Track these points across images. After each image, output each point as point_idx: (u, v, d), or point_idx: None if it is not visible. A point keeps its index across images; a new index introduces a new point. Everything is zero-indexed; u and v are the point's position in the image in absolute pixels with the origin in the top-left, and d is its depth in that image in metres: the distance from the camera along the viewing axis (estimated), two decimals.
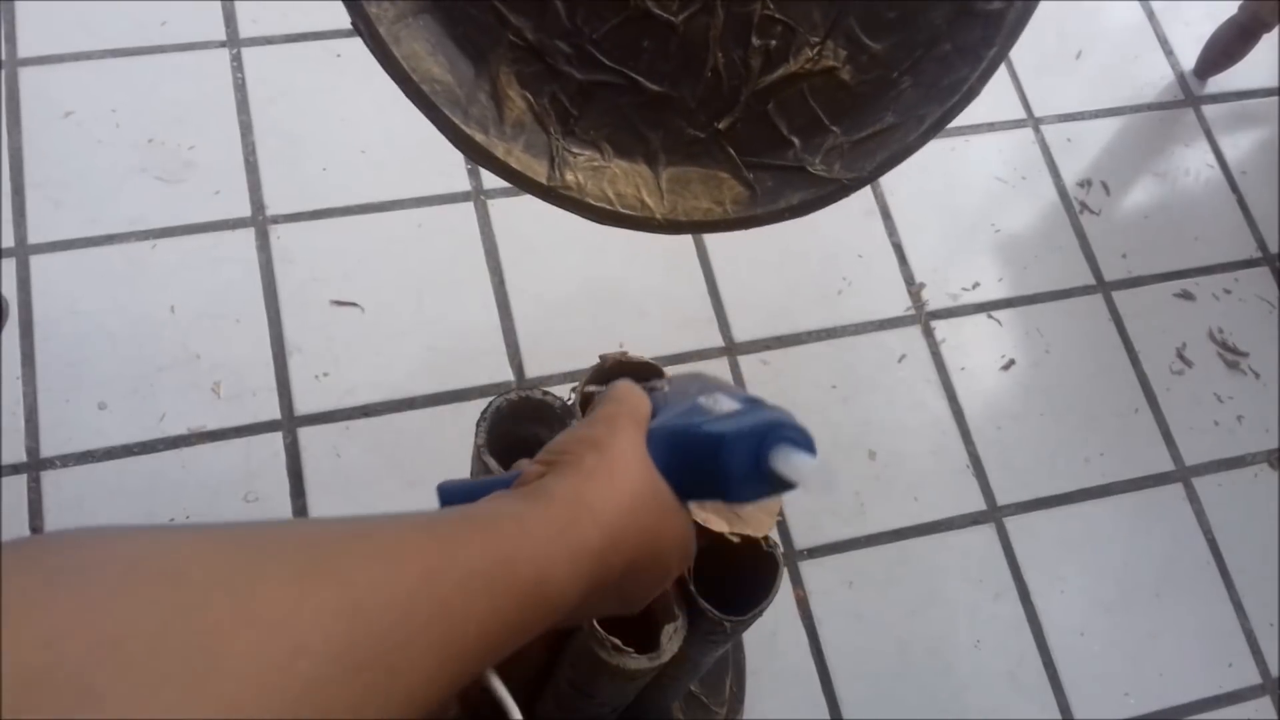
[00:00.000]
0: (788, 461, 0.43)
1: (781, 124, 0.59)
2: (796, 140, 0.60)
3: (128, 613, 0.25)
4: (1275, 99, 1.36)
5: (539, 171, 0.58)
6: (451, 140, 0.57)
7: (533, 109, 0.58)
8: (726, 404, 0.48)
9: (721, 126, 0.59)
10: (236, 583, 0.27)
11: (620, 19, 0.56)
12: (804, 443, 0.45)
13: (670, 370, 0.64)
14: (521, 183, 0.58)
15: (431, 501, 1.06)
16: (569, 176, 0.58)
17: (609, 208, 0.59)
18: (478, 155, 0.57)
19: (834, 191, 0.60)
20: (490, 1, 0.55)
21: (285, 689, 0.26)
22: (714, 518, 0.61)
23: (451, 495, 0.46)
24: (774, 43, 0.58)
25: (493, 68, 0.56)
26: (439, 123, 0.56)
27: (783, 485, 0.44)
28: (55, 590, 0.25)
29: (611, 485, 0.41)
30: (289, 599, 0.28)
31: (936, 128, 0.59)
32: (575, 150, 0.58)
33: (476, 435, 0.64)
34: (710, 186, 0.60)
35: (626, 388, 0.50)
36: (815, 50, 0.58)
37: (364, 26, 0.54)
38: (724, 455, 0.44)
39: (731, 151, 0.60)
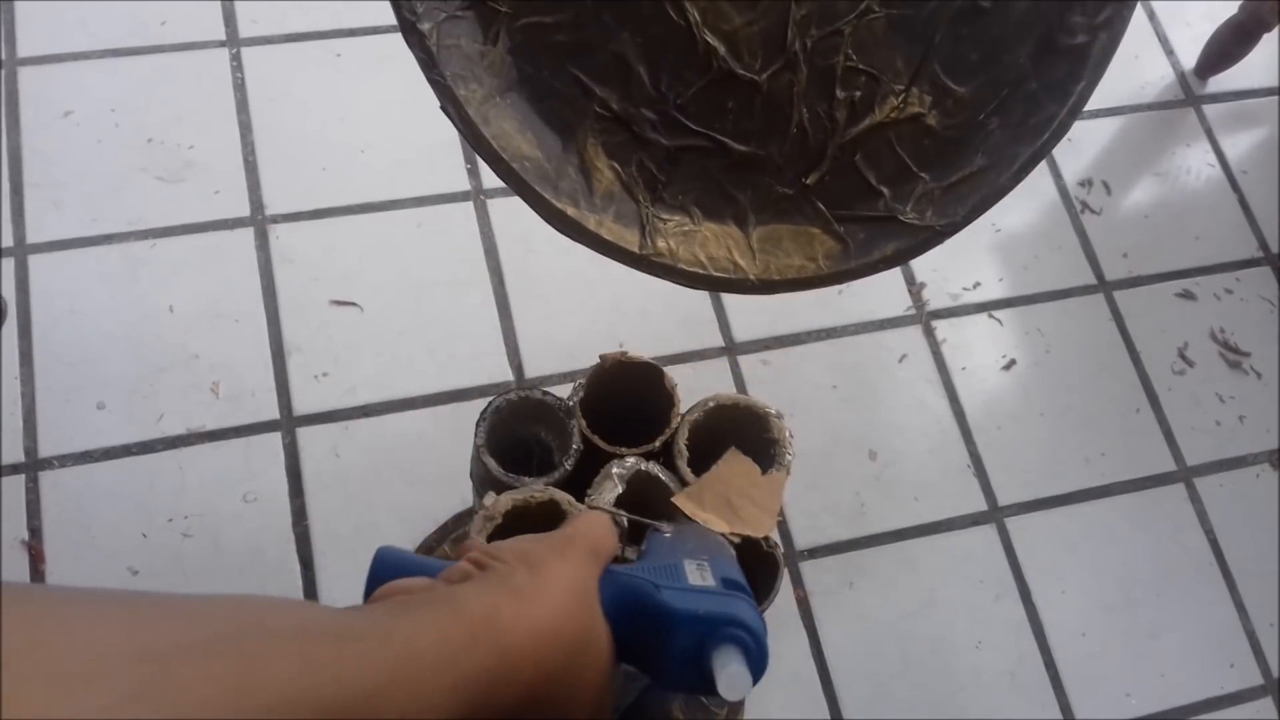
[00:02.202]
0: (726, 669, 0.40)
1: (870, 175, 0.59)
2: (886, 190, 0.59)
3: None
4: (1275, 99, 1.36)
5: (631, 241, 0.58)
6: (543, 215, 0.57)
7: (621, 178, 0.58)
8: (706, 577, 0.45)
9: (810, 182, 0.59)
10: (54, 703, 0.24)
11: (704, 81, 0.56)
12: (755, 650, 0.41)
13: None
14: (614, 253, 0.58)
15: (430, 500, 1.06)
16: (660, 243, 0.59)
17: (702, 272, 0.59)
18: (569, 228, 0.57)
19: (928, 239, 0.60)
20: (575, 74, 0.56)
21: None
22: (714, 518, 0.61)
23: (381, 565, 0.43)
24: (858, 93, 0.57)
25: (580, 140, 0.57)
26: (530, 199, 0.57)
27: (713, 687, 0.40)
28: None
29: (531, 611, 0.38)
30: None
31: (1028, 167, 0.59)
32: (665, 216, 0.59)
33: (476, 435, 0.64)
34: (802, 243, 0.60)
35: (595, 520, 0.47)
36: (900, 98, 0.58)
37: (454, 110, 0.54)
38: (669, 630, 0.41)
39: (821, 206, 0.60)
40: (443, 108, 0.54)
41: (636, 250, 0.58)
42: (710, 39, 0.55)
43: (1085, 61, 0.58)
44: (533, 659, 0.37)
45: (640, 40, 0.55)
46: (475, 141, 0.55)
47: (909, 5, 0.57)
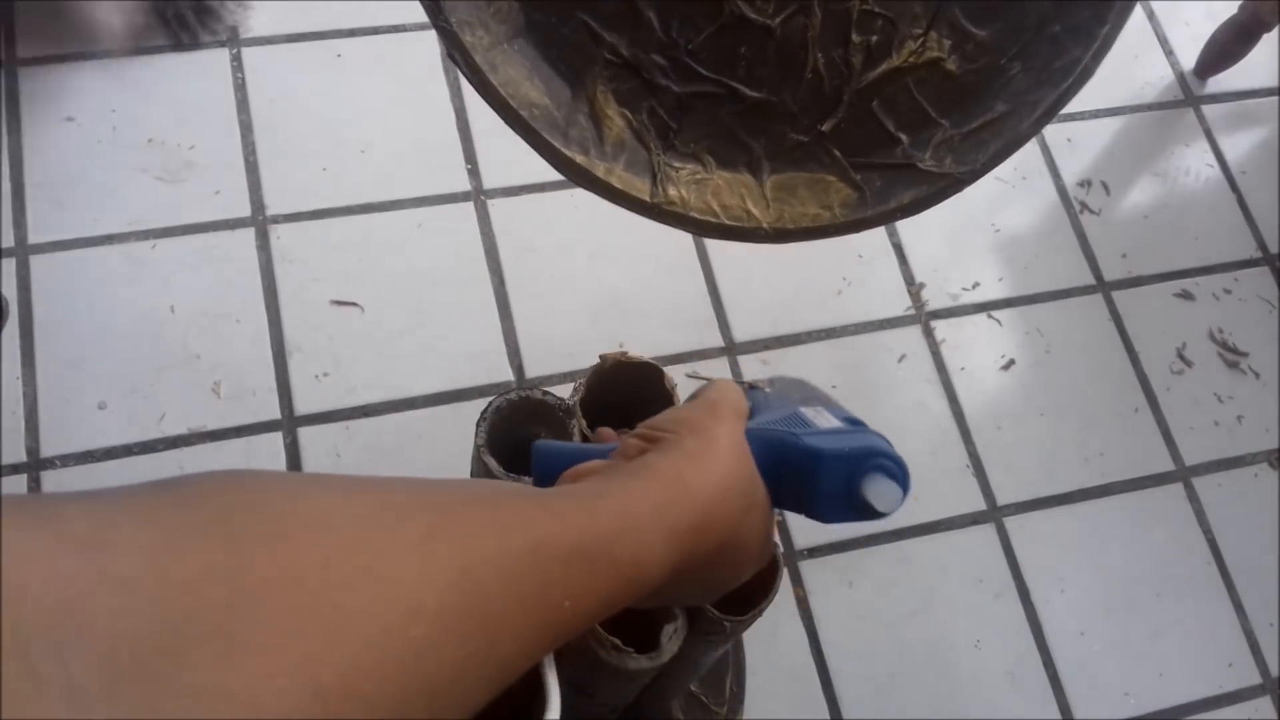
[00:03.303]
0: (879, 492, 0.44)
1: (888, 121, 0.58)
2: (904, 137, 0.58)
3: (270, 565, 0.26)
4: (1275, 99, 1.36)
5: (641, 189, 0.57)
6: (551, 163, 0.56)
7: (631, 126, 0.57)
8: (828, 419, 0.48)
9: (825, 129, 0.58)
10: (370, 539, 0.29)
11: (715, 27, 0.55)
12: (900, 474, 0.45)
13: (712, 376, 0.64)
14: (624, 201, 0.57)
15: None
16: (672, 192, 0.57)
17: (714, 220, 0.58)
18: (579, 176, 0.56)
19: (946, 187, 0.59)
20: (584, 20, 0.55)
21: (400, 653, 0.27)
22: None
23: (546, 456, 0.47)
24: (875, 38, 0.56)
25: (589, 87, 0.56)
26: (539, 147, 0.56)
27: (871, 513, 0.44)
28: (207, 536, 0.26)
29: (710, 468, 0.42)
30: (413, 562, 0.29)
31: (1051, 113, 0.58)
32: (676, 164, 0.58)
33: (476, 435, 0.64)
34: (817, 191, 0.59)
35: (727, 384, 0.51)
36: (918, 42, 0.57)
37: (460, 56, 0.53)
38: (819, 472, 0.44)
39: (837, 153, 0.59)
40: (449, 54, 0.54)
41: (647, 199, 0.57)
42: None
43: (1110, 4, 0.56)
44: (721, 510, 0.42)
45: None
46: (483, 89, 0.54)
47: None
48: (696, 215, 0.58)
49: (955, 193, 0.59)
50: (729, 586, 0.47)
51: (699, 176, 0.58)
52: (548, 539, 0.34)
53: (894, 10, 0.56)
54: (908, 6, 0.56)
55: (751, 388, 0.59)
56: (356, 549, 0.28)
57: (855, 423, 0.49)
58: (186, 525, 0.26)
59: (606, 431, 0.55)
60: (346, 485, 0.31)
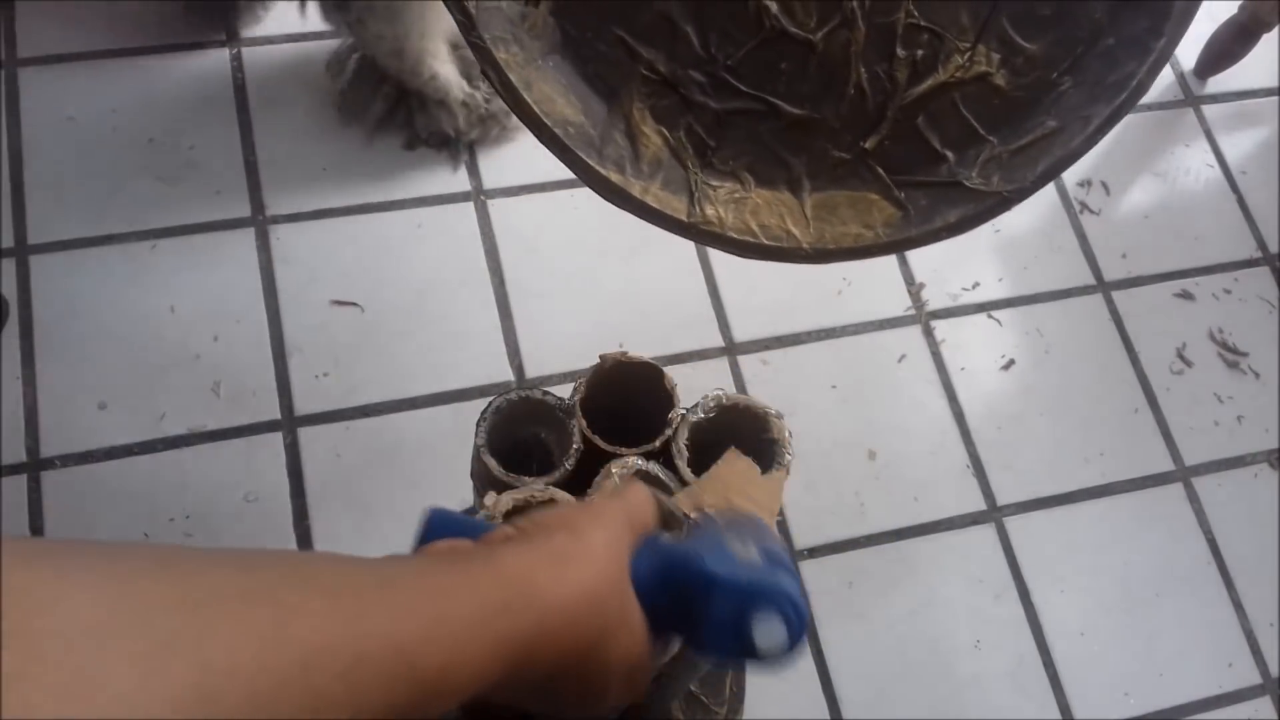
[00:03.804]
0: (767, 631, 0.41)
1: (933, 138, 0.56)
2: (950, 154, 0.57)
3: None
4: (1275, 99, 1.36)
5: (679, 208, 0.55)
6: (587, 182, 0.55)
7: (669, 143, 0.56)
8: (748, 550, 0.45)
9: (868, 146, 0.56)
10: (86, 649, 0.24)
11: (755, 42, 0.54)
12: (794, 620, 0.42)
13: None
14: (661, 221, 0.55)
15: (430, 500, 1.06)
16: (709, 211, 0.56)
17: (753, 240, 0.56)
18: (615, 196, 0.55)
19: (994, 205, 0.57)
20: (620, 35, 0.53)
21: None
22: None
23: (434, 524, 0.44)
24: (921, 52, 0.55)
25: (625, 104, 0.55)
26: (574, 165, 0.54)
27: (754, 652, 0.41)
28: None
29: (568, 576, 0.38)
30: (133, 679, 0.24)
31: (1104, 129, 0.56)
32: (715, 183, 0.56)
33: (476, 435, 0.64)
34: (860, 210, 0.57)
35: (638, 491, 0.47)
36: (966, 56, 0.55)
37: (493, 73, 0.52)
38: (710, 596, 0.42)
39: (881, 171, 0.57)
40: (483, 72, 0.53)
41: (684, 218, 0.55)
42: None
43: (1167, 16, 0.54)
44: (570, 624, 0.37)
45: None
46: (517, 106, 0.53)
47: None
48: (734, 235, 0.56)
49: (1003, 211, 0.57)
50: (585, 709, 0.41)
51: (737, 195, 0.57)
52: (326, 648, 0.29)
53: (941, 23, 0.54)
54: (955, 18, 0.54)
55: (689, 519, 0.56)
56: (57, 662, 0.23)
57: (776, 560, 0.46)
58: None
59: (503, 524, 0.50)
60: (81, 576, 0.26)
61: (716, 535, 0.47)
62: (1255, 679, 1.06)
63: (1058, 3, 0.55)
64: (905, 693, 1.00)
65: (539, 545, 0.39)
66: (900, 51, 0.55)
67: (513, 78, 0.52)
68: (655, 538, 0.45)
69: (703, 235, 0.56)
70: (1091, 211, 1.25)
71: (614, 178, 0.54)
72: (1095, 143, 0.56)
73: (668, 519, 0.56)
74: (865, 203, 0.57)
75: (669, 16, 0.53)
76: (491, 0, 0.51)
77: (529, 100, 0.53)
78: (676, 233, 0.56)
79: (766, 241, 0.57)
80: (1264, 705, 1.05)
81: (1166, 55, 0.56)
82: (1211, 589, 1.09)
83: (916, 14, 0.54)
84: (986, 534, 1.08)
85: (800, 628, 0.42)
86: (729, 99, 0.55)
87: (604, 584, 0.39)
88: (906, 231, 0.57)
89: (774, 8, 0.53)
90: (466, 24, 0.51)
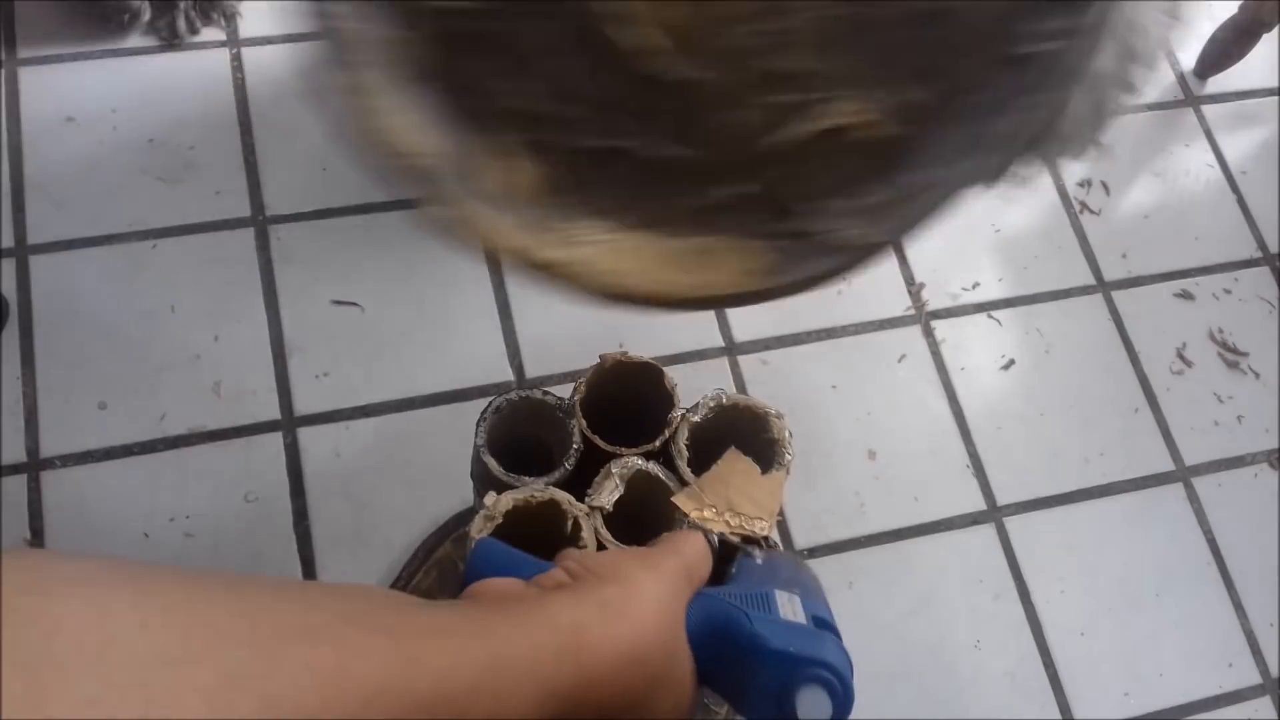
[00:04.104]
0: (810, 704, 0.41)
1: (815, 183, 0.54)
2: (833, 200, 0.54)
3: (22, 700, 0.23)
4: (1275, 99, 1.36)
5: (540, 249, 0.51)
6: (444, 220, 0.51)
7: (537, 180, 0.52)
8: (796, 611, 0.45)
9: (748, 190, 0.54)
10: (153, 680, 0.24)
11: (633, 78, 0.51)
12: (839, 694, 0.42)
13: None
14: (521, 262, 0.52)
15: (430, 500, 1.06)
16: (573, 253, 0.51)
17: (618, 284, 0.52)
18: (473, 234, 0.51)
19: (874, 252, 0.55)
20: (489, 66, 0.50)
21: None
22: (713, 519, 0.61)
23: (484, 558, 0.44)
24: (806, 96, 0.52)
25: (492, 138, 0.51)
26: (431, 200, 0.51)
27: None
28: None
29: (617, 630, 0.38)
30: (202, 708, 0.25)
31: (990, 180, 0.54)
32: (584, 222, 0.52)
33: (476, 435, 0.64)
34: (735, 255, 0.53)
35: (694, 540, 0.46)
36: (852, 103, 0.53)
37: (349, 100, 0.48)
38: (757, 664, 0.41)
39: (759, 216, 0.54)
40: (333, 100, 0.49)
41: (548, 258, 0.51)
42: (642, 32, 0.50)
43: (1057, 71, 0.53)
44: (614, 680, 0.37)
45: (563, 31, 0.50)
46: (367, 137, 0.49)
47: (865, 2, 0.52)
48: (600, 278, 0.52)
49: (882, 257, 0.55)
50: None
51: (605, 238, 0.52)
52: (385, 689, 0.29)
53: (827, 65, 0.52)
54: (843, 64, 0.52)
55: (745, 554, 0.56)
56: (131, 690, 0.24)
57: (824, 623, 0.46)
58: None
59: (569, 553, 0.49)
60: (154, 603, 0.26)
61: (766, 591, 0.46)
62: (1255, 679, 1.06)
63: (949, 54, 0.53)
64: (905, 693, 1.00)
65: (591, 596, 0.39)
66: (786, 94, 0.52)
67: (366, 105, 0.49)
68: (706, 592, 0.45)
69: (565, 277, 0.52)
70: (1091, 211, 1.25)
71: (475, 215, 0.51)
72: (981, 194, 0.54)
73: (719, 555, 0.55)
74: (742, 248, 0.54)
75: (543, 48, 0.50)
76: (354, 24, 0.48)
77: (382, 130, 0.49)
78: (538, 273, 0.52)
79: (633, 286, 0.52)
80: (1264, 705, 1.05)
81: (1056, 108, 0.54)
82: (1211, 589, 1.09)
83: (803, 57, 0.52)
84: (986, 534, 1.08)
85: (846, 701, 0.42)
86: (602, 136, 0.52)
87: (653, 640, 0.39)
88: (782, 278, 0.54)
89: (654, 44, 0.50)
90: (329, 46, 0.48)
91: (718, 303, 0.54)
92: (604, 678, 0.37)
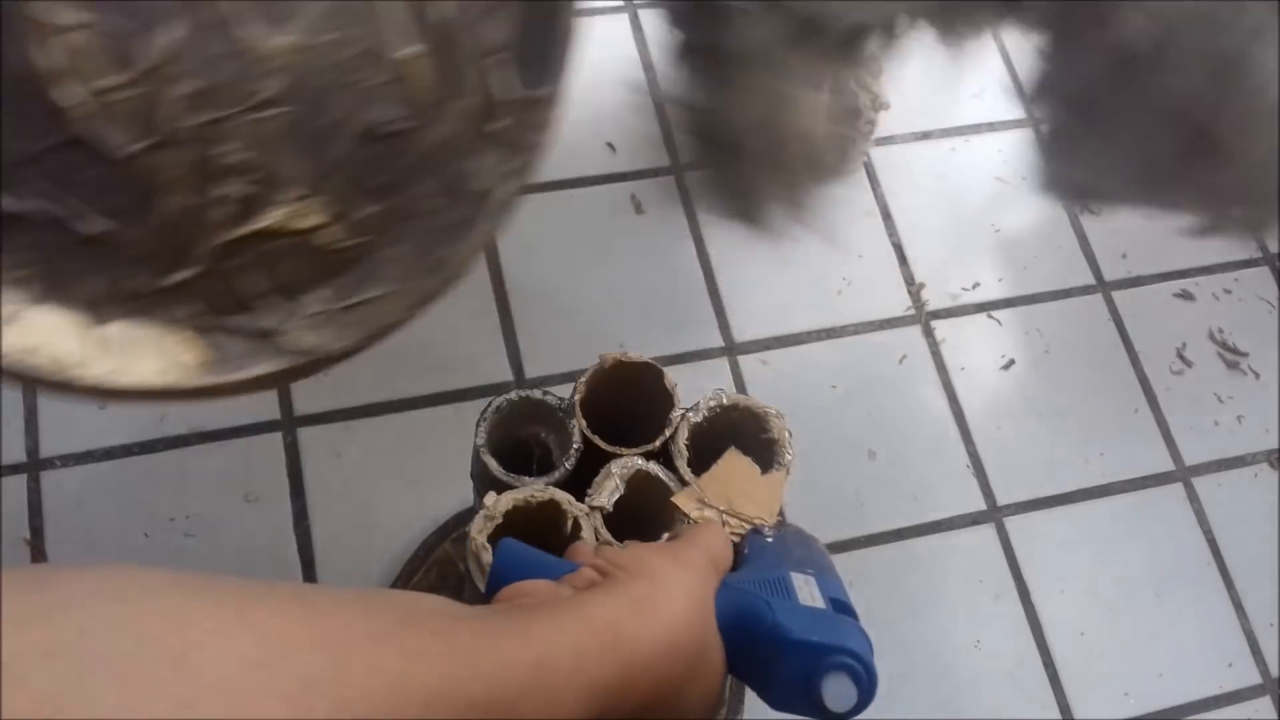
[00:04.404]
0: (837, 694, 0.42)
1: (258, 282, 0.52)
2: (275, 301, 0.53)
3: (113, 705, 0.24)
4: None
5: None
6: None
7: None
8: (814, 595, 0.45)
9: (182, 279, 0.50)
10: (240, 685, 0.26)
11: (57, 141, 0.46)
12: (864, 679, 0.43)
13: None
14: None
15: (430, 500, 1.05)
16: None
17: (20, 365, 0.47)
18: None
19: (313, 363, 0.54)
20: None
21: None
22: (713, 519, 0.61)
23: (508, 558, 0.44)
24: (250, 191, 0.50)
25: None
26: None
27: (823, 711, 0.42)
28: (50, 662, 0.23)
29: (651, 623, 0.39)
30: (284, 712, 0.26)
31: (426, 302, 0.54)
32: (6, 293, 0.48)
33: (476, 435, 0.64)
34: (165, 346, 0.50)
35: (714, 532, 0.47)
36: (298, 205, 0.51)
37: None
38: (782, 656, 0.42)
39: (193, 308, 0.51)
40: None
41: None
42: (70, 93, 0.45)
43: (488, 207, 0.55)
44: (652, 671, 0.38)
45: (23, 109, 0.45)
46: None
47: (314, 108, 0.50)
48: (8, 356, 0.47)
49: (322, 370, 0.54)
50: None
51: (18, 309, 0.48)
52: (445, 693, 0.30)
53: (275, 165, 0.50)
54: (291, 164, 0.51)
55: (755, 531, 0.56)
56: (218, 694, 0.25)
57: (841, 605, 0.46)
58: (29, 647, 0.23)
59: (583, 549, 0.51)
60: (229, 611, 0.27)
61: (782, 574, 0.46)
62: (1255, 679, 1.06)
63: (396, 174, 0.53)
64: (905, 693, 1.00)
65: (623, 592, 0.40)
66: (229, 186, 0.50)
67: None
68: (726, 581, 0.45)
69: None
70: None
71: None
72: (418, 313, 0.55)
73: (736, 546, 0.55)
74: (173, 339, 0.51)
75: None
76: None
77: None
78: None
79: (40, 369, 0.48)
80: (1264, 705, 1.05)
81: (484, 243, 0.57)
82: (1211, 589, 1.09)
83: (247, 151, 0.50)
84: (986, 534, 1.08)
85: (870, 687, 0.43)
86: (18, 198, 0.47)
87: (683, 631, 0.40)
88: (214, 377, 0.52)
89: (83, 109, 0.46)
90: None
91: (138, 396, 0.50)
92: (644, 670, 0.38)
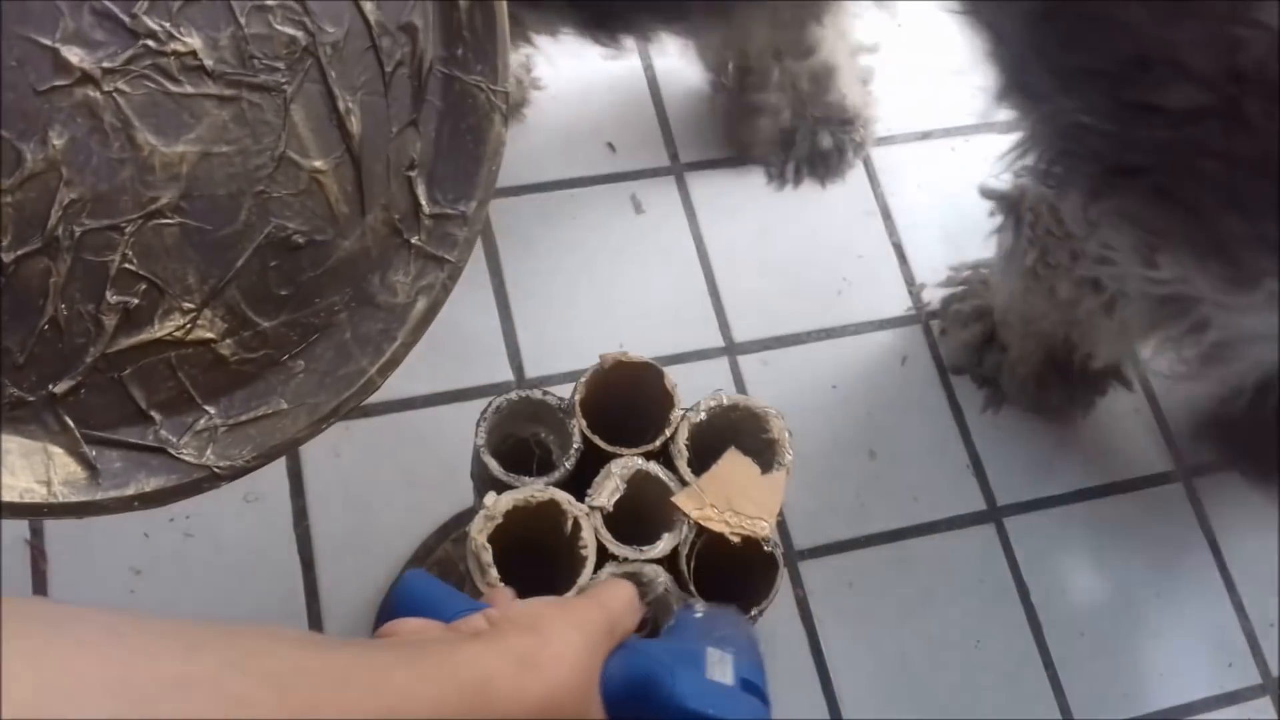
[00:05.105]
0: None
1: (140, 396, 0.50)
2: (158, 417, 0.51)
3: None
4: None
5: None
6: None
7: None
8: (725, 672, 0.44)
9: (57, 390, 0.49)
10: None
11: None
12: None
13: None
14: None
15: (430, 500, 1.05)
16: None
17: None
18: None
19: (201, 480, 0.53)
20: None
21: None
22: (714, 518, 0.61)
23: (408, 593, 0.43)
24: (137, 301, 0.49)
25: None
26: None
27: None
28: None
29: (528, 682, 0.37)
30: None
31: (329, 419, 0.53)
32: None
33: (476, 435, 0.64)
34: (34, 462, 0.48)
35: (622, 594, 0.46)
36: (188, 318, 0.50)
37: None
38: None
39: (69, 421, 0.49)
40: None
41: None
42: None
43: (404, 321, 0.54)
44: None
45: None
46: None
47: (208, 219, 0.49)
48: None
49: (211, 488, 0.54)
50: None
51: None
52: None
53: (163, 277, 0.49)
54: (181, 275, 0.49)
55: (686, 606, 0.55)
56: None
57: (752, 686, 0.45)
58: None
59: (500, 595, 0.49)
60: (32, 644, 0.25)
61: (698, 648, 0.45)
62: (1255, 679, 1.06)
63: (297, 287, 0.52)
64: (905, 693, 1.00)
65: (504, 646, 0.38)
66: (111, 296, 0.48)
67: None
68: (633, 643, 0.44)
69: None
70: None
71: None
72: (319, 431, 0.54)
73: (659, 605, 0.55)
74: (44, 454, 0.49)
75: None
76: None
77: None
78: None
79: None
80: (1264, 705, 1.05)
81: (400, 357, 0.56)
82: (1211, 589, 1.09)
83: (135, 261, 0.48)
84: (986, 534, 1.08)
85: None
86: None
87: (564, 694, 0.38)
88: (92, 494, 0.50)
89: None
90: None
91: (12, 511, 0.48)
92: None
